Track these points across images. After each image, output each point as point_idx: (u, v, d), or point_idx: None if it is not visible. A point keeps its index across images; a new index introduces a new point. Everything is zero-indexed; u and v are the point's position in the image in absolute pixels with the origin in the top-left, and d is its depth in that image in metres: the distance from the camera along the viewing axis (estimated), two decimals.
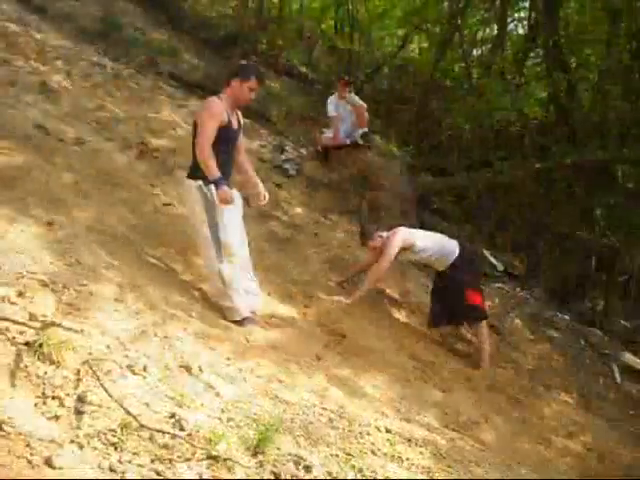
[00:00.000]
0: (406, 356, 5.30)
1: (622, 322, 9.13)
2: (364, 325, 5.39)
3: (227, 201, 4.20)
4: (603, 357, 7.20)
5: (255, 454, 2.67)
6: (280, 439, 2.83)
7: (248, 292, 4.50)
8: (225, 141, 4.38)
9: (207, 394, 2.99)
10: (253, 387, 3.31)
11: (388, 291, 6.50)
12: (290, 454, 2.76)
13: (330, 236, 6.94)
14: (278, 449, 2.76)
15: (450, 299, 5.77)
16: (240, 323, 4.30)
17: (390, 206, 8.23)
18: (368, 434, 3.26)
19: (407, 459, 3.19)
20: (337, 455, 2.94)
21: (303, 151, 9.14)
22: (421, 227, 8.78)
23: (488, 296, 7.47)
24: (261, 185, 4.72)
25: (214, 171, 4.17)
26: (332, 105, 8.75)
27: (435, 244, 5.78)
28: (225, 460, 2.51)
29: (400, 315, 6.21)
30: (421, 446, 3.39)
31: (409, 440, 3.41)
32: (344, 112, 8.76)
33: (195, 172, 4.36)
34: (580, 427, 5.28)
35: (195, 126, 4.35)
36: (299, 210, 7.54)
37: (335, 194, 8.15)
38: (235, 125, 4.51)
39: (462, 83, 12.05)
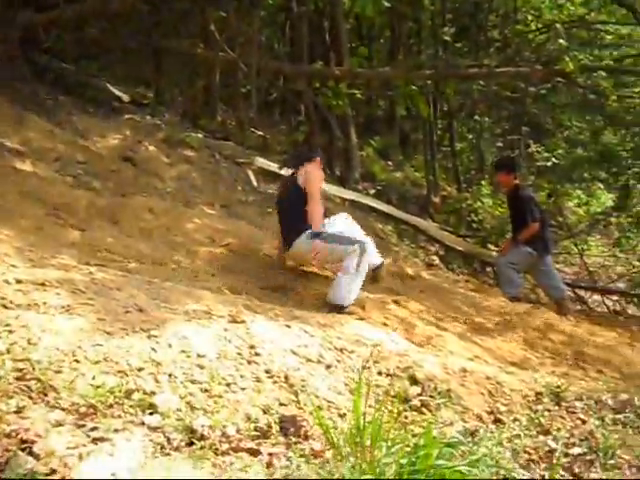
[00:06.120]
0: (38, 206, 4.96)
1: (254, 131, 9.66)
2: None
3: None
4: (239, 166, 7.59)
5: None
6: None
7: None
8: None
9: None
10: None
11: None
12: None
13: None
14: None
15: None
16: None
17: None
18: None
19: (44, 303, 3.03)
20: None
21: None
22: (34, 70, 8.10)
23: (117, 129, 7.27)
24: None
25: None
26: None
27: None
28: None
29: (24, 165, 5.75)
30: (57, 287, 3.24)
31: (43, 284, 3.23)
32: None
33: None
34: (224, 233, 5.57)
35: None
36: None
37: None
38: None
39: None
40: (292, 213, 4.87)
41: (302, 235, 4.74)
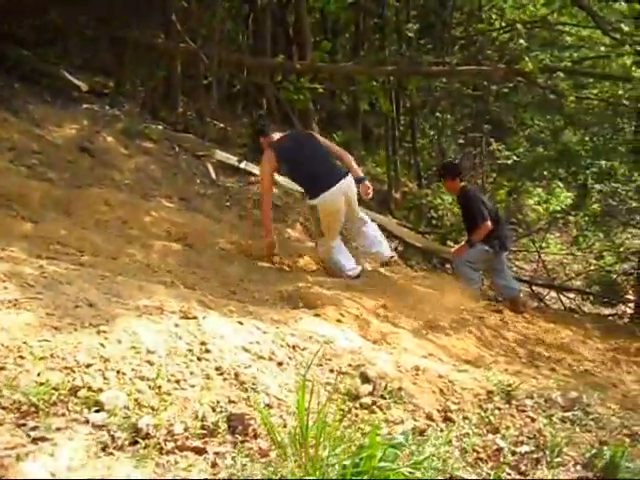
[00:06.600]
0: None
1: (215, 123, 9.55)
2: None
3: None
4: (198, 159, 7.50)
5: None
6: None
7: None
8: None
9: None
10: None
11: None
12: None
13: None
14: None
15: None
16: None
17: None
18: None
19: None
20: None
21: None
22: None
23: (75, 119, 7.14)
24: None
25: None
26: None
27: None
28: None
29: None
30: (4, 281, 3.15)
31: None
32: None
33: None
34: (181, 226, 5.50)
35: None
36: None
37: None
38: None
39: None
40: (327, 159, 5.66)
41: (350, 175, 5.58)
